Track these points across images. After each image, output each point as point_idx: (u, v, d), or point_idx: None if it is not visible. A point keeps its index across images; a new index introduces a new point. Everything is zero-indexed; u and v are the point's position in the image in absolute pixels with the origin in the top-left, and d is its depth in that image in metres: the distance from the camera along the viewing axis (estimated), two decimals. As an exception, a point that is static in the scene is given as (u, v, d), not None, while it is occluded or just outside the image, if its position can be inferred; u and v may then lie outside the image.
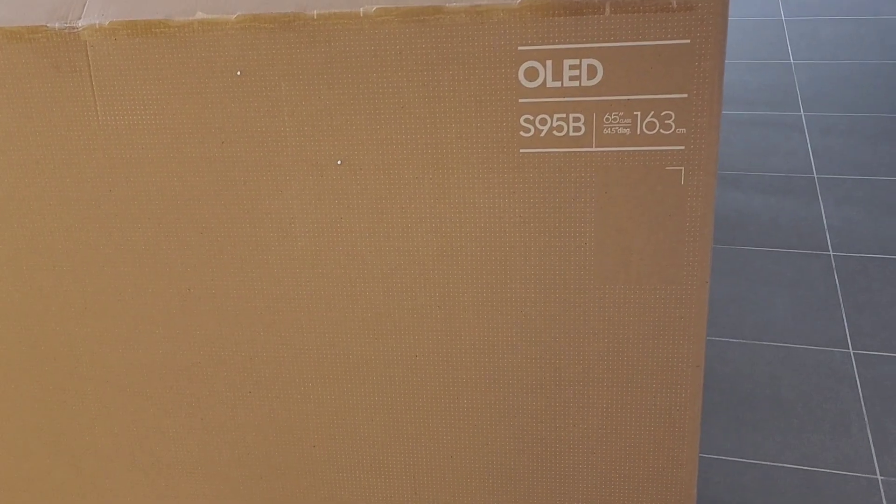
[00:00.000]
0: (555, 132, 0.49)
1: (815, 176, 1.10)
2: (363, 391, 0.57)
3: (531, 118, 0.49)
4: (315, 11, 0.49)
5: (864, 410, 0.79)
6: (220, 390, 0.58)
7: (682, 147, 0.48)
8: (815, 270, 0.95)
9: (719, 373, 0.84)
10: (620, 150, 0.48)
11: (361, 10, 0.48)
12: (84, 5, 0.52)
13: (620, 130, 0.48)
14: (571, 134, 0.48)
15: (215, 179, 0.53)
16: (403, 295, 0.54)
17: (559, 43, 0.47)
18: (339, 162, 0.51)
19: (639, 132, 0.48)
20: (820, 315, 0.90)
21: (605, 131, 0.48)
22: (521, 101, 0.48)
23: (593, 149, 0.49)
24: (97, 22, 0.51)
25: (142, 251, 0.56)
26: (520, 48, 0.47)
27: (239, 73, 0.51)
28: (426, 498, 0.59)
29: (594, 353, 0.53)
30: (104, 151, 0.54)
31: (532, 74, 0.47)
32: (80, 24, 0.51)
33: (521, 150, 0.49)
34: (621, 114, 0.48)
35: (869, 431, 0.77)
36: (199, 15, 0.50)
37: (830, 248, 0.98)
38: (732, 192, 1.08)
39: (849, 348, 0.85)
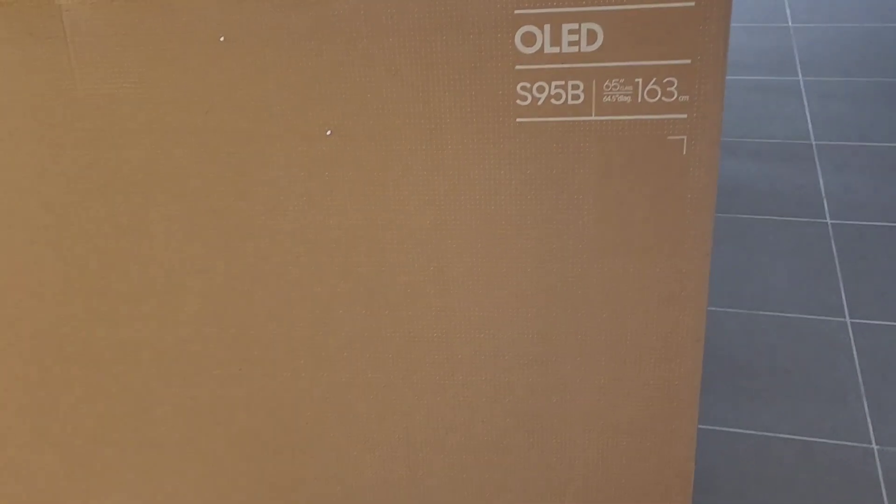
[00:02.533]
0: (553, 100, 0.47)
1: (813, 142, 1.09)
2: (356, 368, 0.56)
3: (528, 86, 0.47)
4: (301, -27, 0.46)
5: (861, 380, 0.78)
6: (208, 368, 0.57)
7: (685, 115, 0.46)
8: (812, 238, 0.94)
9: (716, 342, 0.84)
10: (621, 119, 0.47)
11: (350, -29, 0.46)
12: (58, -33, 0.49)
13: (621, 98, 0.46)
14: (570, 102, 0.47)
15: (200, 150, 0.51)
16: (397, 269, 0.52)
17: (557, 6, 0.45)
18: (328, 132, 0.50)
19: (640, 100, 0.46)
20: (817, 284, 0.89)
21: (605, 99, 0.46)
22: (517, 67, 0.46)
23: (593, 118, 0.47)
24: (72, -15, 0.49)
25: (124, 226, 0.54)
26: (516, 12, 0.45)
27: (222, 38, 0.48)
28: (420, 475, 0.59)
29: (592, 327, 0.52)
30: (83, 121, 0.51)
31: (529, 40, 0.45)
32: (54, -12, 0.49)
33: (518, 119, 0.48)
34: (622, 81, 0.46)
35: (865, 401, 0.76)
36: (180, -23, 0.47)
37: (828, 215, 0.97)
38: (729, 159, 1.06)
39: (845, 317, 0.85)
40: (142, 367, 0.58)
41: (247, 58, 0.48)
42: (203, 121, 0.50)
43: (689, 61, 0.45)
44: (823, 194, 1.00)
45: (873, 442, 0.72)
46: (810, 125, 1.13)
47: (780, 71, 1.25)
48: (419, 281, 0.52)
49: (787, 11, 1.40)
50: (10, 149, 0.53)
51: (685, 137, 0.47)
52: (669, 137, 0.47)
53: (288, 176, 0.51)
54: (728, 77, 1.27)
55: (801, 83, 1.22)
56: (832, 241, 0.94)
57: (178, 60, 0.49)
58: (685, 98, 0.46)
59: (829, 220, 0.96)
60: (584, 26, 0.45)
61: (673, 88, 0.46)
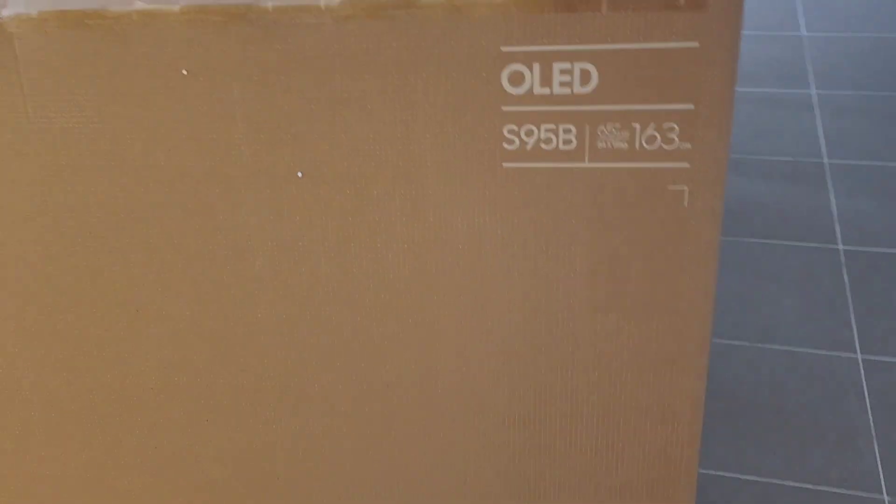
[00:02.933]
0: (543, 145, 0.43)
1: (826, 161, 1.04)
2: (330, 422, 0.52)
3: (516, 129, 0.43)
4: (270, 3, 0.42)
5: (872, 423, 0.74)
6: (175, 418, 0.53)
7: (687, 164, 0.42)
8: (822, 266, 0.90)
9: (718, 377, 0.80)
10: (616, 167, 0.43)
11: (323, 2, 0.42)
12: (9, -9, 0.45)
13: (617, 144, 0.42)
14: (561, 147, 0.43)
15: (162, 191, 0.47)
16: (373, 321, 0.49)
17: (548, 44, 0.41)
18: (299, 174, 0.46)
19: (637, 147, 0.42)
20: (827, 316, 0.85)
21: (600, 145, 0.42)
22: (504, 108, 0.42)
23: (586, 164, 0.43)
24: (24, 11, 0.45)
25: (82, 268, 0.50)
26: (503, 49, 0.41)
27: (185, 72, 0.45)
28: (400, 531, 0.55)
29: (583, 387, 0.48)
30: (37, 157, 0.48)
31: (517, 79, 0.42)
32: (3, 14, 0.45)
33: (505, 164, 0.44)
34: (618, 126, 0.42)
35: (876, 446, 0.72)
36: (138, 5, 0.44)
37: (840, 241, 0.92)
38: (734, 177, 1.02)
39: (857, 353, 0.80)
40: (105, 415, 0.54)
41: (211, 93, 0.45)
42: (165, 159, 0.47)
43: (691, 106, 0.41)
44: (835, 218, 0.96)
45: (885, 492, 0.68)
46: (822, 142, 1.08)
47: (791, 83, 1.21)
48: (397, 333, 0.49)
49: (801, 19, 1.35)
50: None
51: (686, 188, 0.43)
52: (669, 187, 0.43)
53: (256, 220, 0.47)
54: (735, 89, 1.22)
55: (814, 96, 1.17)
56: (844, 270, 0.89)
57: (138, 94, 0.45)
58: (687, 146, 0.42)
59: (840, 247, 0.92)
60: (577, 66, 0.41)
61: (674, 135, 0.42)
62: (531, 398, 0.49)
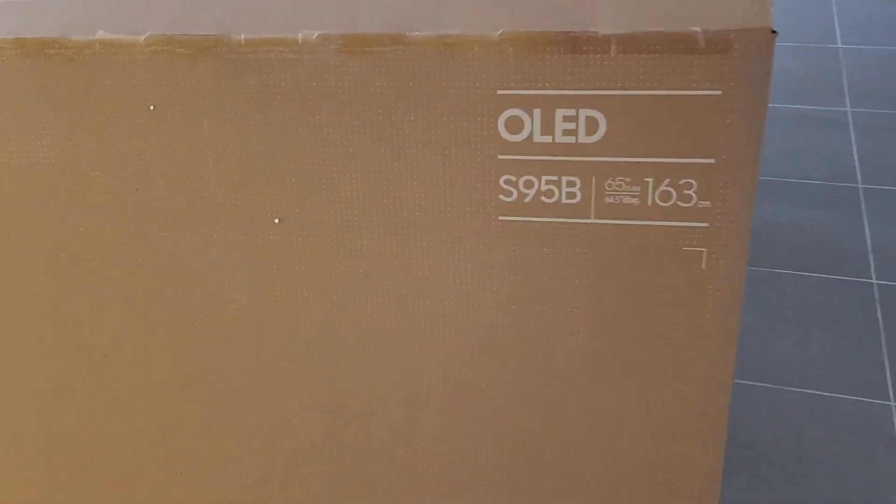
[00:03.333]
0: (543, 198, 0.38)
1: (860, 185, 0.98)
2: (309, 480, 0.48)
3: (514, 179, 0.38)
4: (242, 35, 0.38)
5: (904, 478, 0.69)
6: (148, 469, 0.50)
7: (706, 224, 0.38)
8: (854, 302, 0.84)
9: (739, 421, 0.75)
10: (625, 224, 0.38)
11: (300, 35, 0.38)
12: (-33, 14, 0.42)
13: (626, 200, 0.38)
14: (564, 201, 0.38)
15: (130, 232, 0.44)
16: (356, 379, 0.45)
17: (550, 88, 0.36)
18: (276, 220, 0.42)
19: (650, 203, 0.38)
20: (858, 357, 0.79)
21: (607, 200, 0.38)
22: (500, 157, 0.38)
23: (591, 220, 0.38)
24: (-18, 36, 0.41)
25: (46, 310, 0.46)
26: (500, 92, 0.37)
27: (152, 107, 0.41)
28: None
29: (583, 459, 0.44)
30: (-3, 193, 0.44)
31: (515, 125, 0.37)
32: (-40, 39, 0.41)
33: (501, 217, 0.39)
34: (628, 179, 0.37)
35: (908, 504, 0.67)
36: (101, 34, 0.40)
37: (874, 274, 0.86)
38: (761, 201, 0.96)
39: (890, 400, 0.75)
40: (73, 464, 0.51)
41: (180, 129, 0.41)
42: (133, 198, 0.43)
43: (712, 161, 0.36)
44: (869, 248, 0.90)
45: (916, 558, 0.63)
46: (857, 165, 1.02)
47: (825, 99, 1.14)
48: (382, 389, 0.45)
49: (837, 31, 1.29)
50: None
51: (705, 250, 0.38)
52: (685, 248, 0.38)
53: (229, 265, 0.43)
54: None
55: (849, 114, 1.11)
56: (877, 306, 0.84)
57: (103, 129, 0.41)
58: (706, 204, 0.37)
59: (874, 280, 0.86)
60: (583, 112, 0.36)
61: (691, 192, 0.37)
62: (525, 471, 0.45)
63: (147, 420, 0.49)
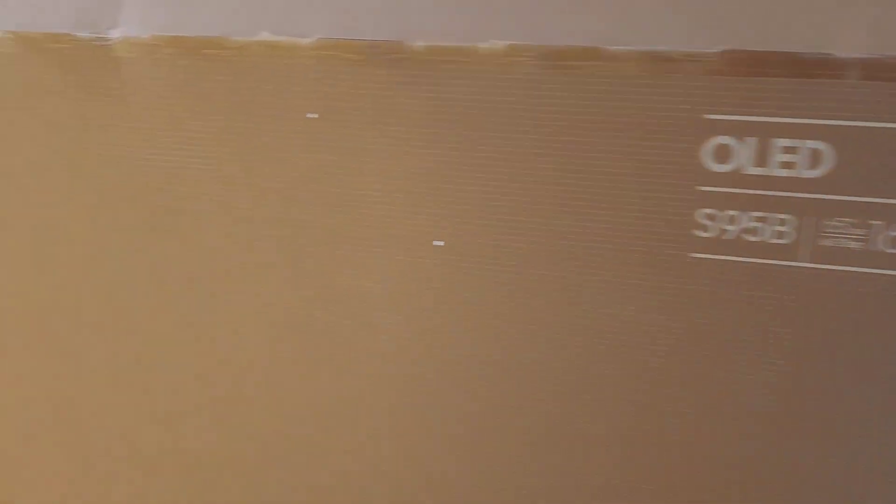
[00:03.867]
0: (747, 236, 0.34)
1: None
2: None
3: (714, 213, 0.34)
4: (420, 42, 0.35)
5: None
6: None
7: (941, 276, 0.33)
8: None
9: None
10: (845, 271, 0.34)
11: (484, 44, 0.34)
12: (119, 10, 0.39)
13: (848, 244, 0.33)
14: (772, 241, 0.34)
15: (277, 247, 0.41)
16: (527, 414, 0.41)
17: (770, 115, 0.32)
18: (438, 243, 0.38)
19: (876, 249, 0.33)
20: None
21: (825, 242, 0.33)
22: (700, 188, 0.34)
23: (803, 264, 0.34)
24: (135, 34, 0.39)
25: (179, 324, 0.44)
26: (707, 116, 0.33)
27: (313, 115, 0.38)
28: None
29: (762, 520, 0.40)
30: (143, 199, 0.42)
31: (722, 154, 0.33)
32: (112, 35, 0.39)
33: (693, 255, 0.35)
34: (853, 221, 0.33)
35: None
36: (264, 35, 0.37)
37: None
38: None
39: None
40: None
41: (342, 141, 0.38)
42: (284, 210, 0.40)
43: (958, 205, 0.32)
44: None
45: None
46: None
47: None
48: (556, 425, 0.41)
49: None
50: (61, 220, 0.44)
51: (936, 304, 0.34)
52: (912, 301, 0.34)
53: (385, 288, 0.40)
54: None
55: None
56: None
57: (255, 137, 0.39)
58: (944, 254, 0.32)
59: None
60: (808, 144, 0.32)
61: (927, 239, 0.32)
62: (693, 524, 0.41)
63: (286, 449, 0.46)
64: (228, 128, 0.39)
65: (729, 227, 0.34)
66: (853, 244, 0.33)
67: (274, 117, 0.38)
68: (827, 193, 0.33)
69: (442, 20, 0.36)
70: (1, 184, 0.44)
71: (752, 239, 0.34)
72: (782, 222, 0.34)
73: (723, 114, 0.32)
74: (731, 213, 0.34)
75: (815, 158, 0.32)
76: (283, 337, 0.43)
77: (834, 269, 0.34)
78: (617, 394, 0.39)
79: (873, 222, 0.33)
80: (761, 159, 0.33)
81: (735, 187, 0.34)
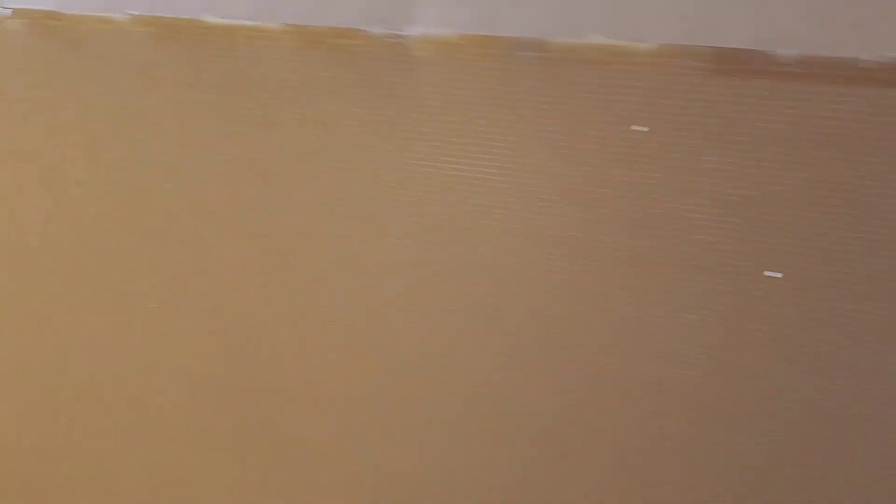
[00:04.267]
0: None
1: None
2: None
3: None
4: (790, 51, 0.31)
5: None
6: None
7: None
8: None
9: None
10: None
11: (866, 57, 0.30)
12: (413, 5, 0.36)
13: None
14: None
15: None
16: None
17: None
18: (772, 274, 0.35)
19: None
20: None
21: None
22: None
23: None
24: (435, 31, 0.36)
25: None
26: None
27: (638, 128, 0.34)
28: None
29: None
30: (419, 206, 0.39)
31: None
32: (407, 32, 0.36)
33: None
34: None
35: None
36: (595, 38, 0.33)
37: None
38: None
39: None
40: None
41: (671, 159, 0.34)
42: (582, 233, 0.37)
43: None
44: None
45: None
46: None
47: None
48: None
49: None
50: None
51: None
52: None
53: (681, 322, 0.37)
54: None
55: None
56: None
57: (568, 151, 0.35)
58: None
59: None
60: None
61: None
62: None
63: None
64: (536, 137, 0.36)
65: None
66: None
67: (596, 126, 0.34)
68: None
69: (814, 27, 0.32)
70: (263, 182, 0.41)
71: None
72: None
73: None
74: None
75: None
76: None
77: None
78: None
79: None
80: None
81: None
